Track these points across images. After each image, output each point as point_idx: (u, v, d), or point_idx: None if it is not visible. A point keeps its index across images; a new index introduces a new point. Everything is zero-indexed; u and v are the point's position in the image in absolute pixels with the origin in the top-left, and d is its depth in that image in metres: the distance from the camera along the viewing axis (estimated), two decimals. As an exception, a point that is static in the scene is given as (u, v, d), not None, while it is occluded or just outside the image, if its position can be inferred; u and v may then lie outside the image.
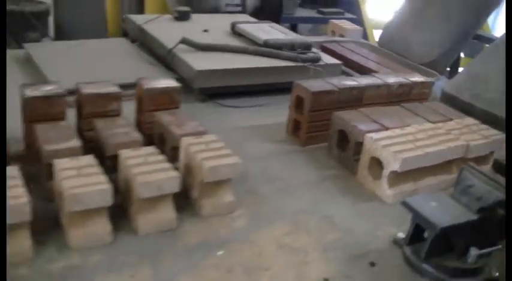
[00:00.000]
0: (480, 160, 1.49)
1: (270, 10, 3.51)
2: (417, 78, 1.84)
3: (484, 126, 1.60)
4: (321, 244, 1.21)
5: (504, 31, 1.94)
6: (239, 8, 3.40)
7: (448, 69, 2.62)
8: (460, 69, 2.93)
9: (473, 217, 1.09)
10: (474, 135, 1.52)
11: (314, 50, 2.21)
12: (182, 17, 2.59)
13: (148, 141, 1.39)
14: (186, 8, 2.64)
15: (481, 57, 2.15)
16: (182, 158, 1.30)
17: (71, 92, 1.46)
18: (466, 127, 1.56)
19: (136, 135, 1.33)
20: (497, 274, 1.12)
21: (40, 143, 1.25)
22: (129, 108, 1.53)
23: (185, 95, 1.85)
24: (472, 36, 2.57)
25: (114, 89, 1.46)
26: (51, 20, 3.59)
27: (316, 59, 2.12)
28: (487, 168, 1.49)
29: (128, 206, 1.21)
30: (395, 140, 1.41)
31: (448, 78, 2.45)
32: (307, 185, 1.46)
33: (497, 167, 1.29)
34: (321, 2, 4.85)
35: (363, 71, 2.18)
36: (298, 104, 1.67)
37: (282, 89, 1.95)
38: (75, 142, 1.26)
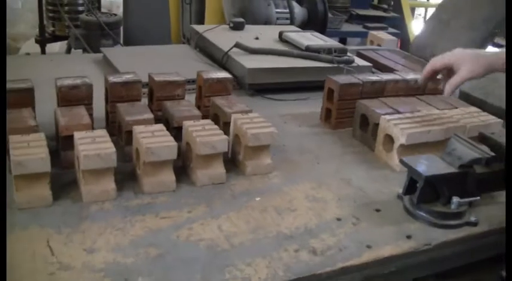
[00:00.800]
0: (475, 140, 1.75)
1: (315, 24, 3.78)
2: (433, 75, 2.11)
3: (484, 113, 1.86)
4: (338, 196, 1.49)
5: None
6: (288, 21, 3.69)
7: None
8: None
9: (454, 170, 1.37)
10: (473, 119, 1.78)
11: (349, 54, 2.50)
12: (237, 27, 2.90)
13: (205, 120, 1.70)
14: (240, 19, 2.95)
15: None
16: (231, 130, 1.61)
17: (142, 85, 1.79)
18: (468, 113, 1.83)
19: (197, 112, 1.65)
20: (473, 218, 1.39)
21: (122, 116, 1.58)
22: (190, 98, 1.84)
23: (238, 90, 2.18)
24: (490, 43, 2.81)
25: (179, 77, 1.78)
26: (121, 29, 3.96)
27: (350, 61, 2.40)
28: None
29: (188, 165, 1.52)
30: (404, 121, 1.69)
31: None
32: (332, 157, 1.74)
33: (481, 138, 1.55)
34: (368, 18, 5.14)
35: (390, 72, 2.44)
36: (329, 94, 1.95)
37: (320, 86, 2.23)
38: (149, 115, 1.59)
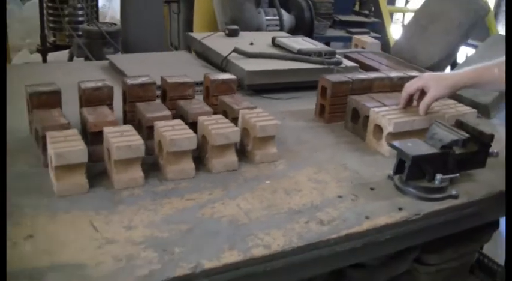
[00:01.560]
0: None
1: (303, 30, 3.96)
2: (414, 73, 2.29)
3: (459, 105, 2.05)
4: (337, 178, 1.67)
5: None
6: (278, 28, 3.87)
7: (448, 69, 3.05)
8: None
9: (437, 151, 1.55)
10: (451, 110, 1.97)
11: (337, 56, 2.68)
12: (232, 33, 3.07)
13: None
14: (235, 27, 3.12)
15: (467, 61, 2.61)
16: (240, 124, 1.77)
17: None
18: (446, 105, 2.02)
19: (208, 109, 1.82)
20: (454, 192, 1.57)
21: (143, 113, 1.74)
22: (198, 98, 1.99)
23: (238, 90, 2.33)
24: (463, 44, 3.01)
25: (189, 79, 1.94)
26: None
27: (339, 63, 2.58)
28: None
29: (204, 155, 1.68)
30: (391, 112, 1.87)
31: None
32: (328, 146, 1.91)
33: (458, 124, 1.73)
34: (350, 24, 5.34)
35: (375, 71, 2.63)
36: (323, 92, 2.13)
37: (312, 86, 2.40)
38: (167, 112, 1.75)
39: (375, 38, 4.13)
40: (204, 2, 4.24)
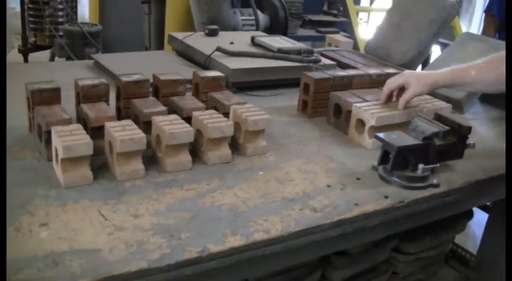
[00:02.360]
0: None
1: (277, 29, 4.05)
2: (391, 70, 2.40)
3: (435, 99, 2.17)
4: (325, 169, 1.76)
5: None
6: (253, 27, 3.95)
7: (420, 67, 3.17)
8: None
9: (419, 142, 1.65)
10: (428, 105, 2.08)
11: (315, 54, 2.77)
12: (212, 33, 3.13)
13: (206, 110, 1.94)
14: (214, 27, 3.19)
15: (441, 57, 2.73)
16: (231, 119, 1.84)
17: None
18: (423, 100, 2.12)
19: (201, 104, 1.89)
20: (435, 181, 1.68)
21: (139, 109, 1.80)
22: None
23: (222, 88, 2.40)
24: (435, 42, 3.13)
25: (180, 76, 2.01)
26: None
27: (317, 61, 2.67)
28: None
29: (199, 148, 1.76)
30: (372, 107, 1.96)
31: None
32: (313, 139, 2.00)
33: (437, 118, 1.83)
34: (320, 23, 5.44)
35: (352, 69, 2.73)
36: (305, 88, 2.22)
37: (292, 83, 2.49)
38: (162, 107, 1.82)
39: (346, 37, 4.24)
40: (176, 2, 4.30)
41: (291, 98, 2.38)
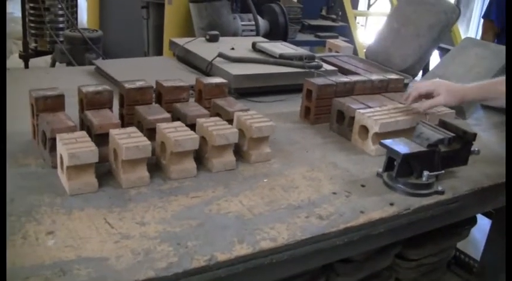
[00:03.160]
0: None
1: (277, 34, 4.05)
2: (392, 76, 2.41)
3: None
4: (329, 176, 1.76)
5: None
6: (253, 33, 3.95)
7: (421, 72, 3.17)
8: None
9: (424, 149, 1.65)
10: (432, 111, 2.08)
11: (317, 60, 2.77)
12: (213, 39, 3.13)
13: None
14: (215, 32, 3.18)
15: (442, 63, 2.73)
16: (235, 125, 1.84)
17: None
18: (426, 107, 2.13)
19: (205, 111, 1.89)
20: (440, 188, 1.68)
21: (143, 116, 1.80)
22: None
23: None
24: (436, 48, 3.13)
25: (184, 83, 2.01)
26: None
27: (319, 66, 2.67)
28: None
29: (203, 155, 1.75)
30: (376, 113, 1.97)
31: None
32: (317, 146, 2.00)
33: (441, 124, 1.83)
34: (319, 28, 5.44)
35: (353, 74, 2.73)
36: (308, 95, 2.22)
37: (294, 89, 2.50)
38: (166, 114, 1.82)
39: (344, 41, 4.24)
40: (175, 7, 4.29)
41: (292, 104, 2.38)
